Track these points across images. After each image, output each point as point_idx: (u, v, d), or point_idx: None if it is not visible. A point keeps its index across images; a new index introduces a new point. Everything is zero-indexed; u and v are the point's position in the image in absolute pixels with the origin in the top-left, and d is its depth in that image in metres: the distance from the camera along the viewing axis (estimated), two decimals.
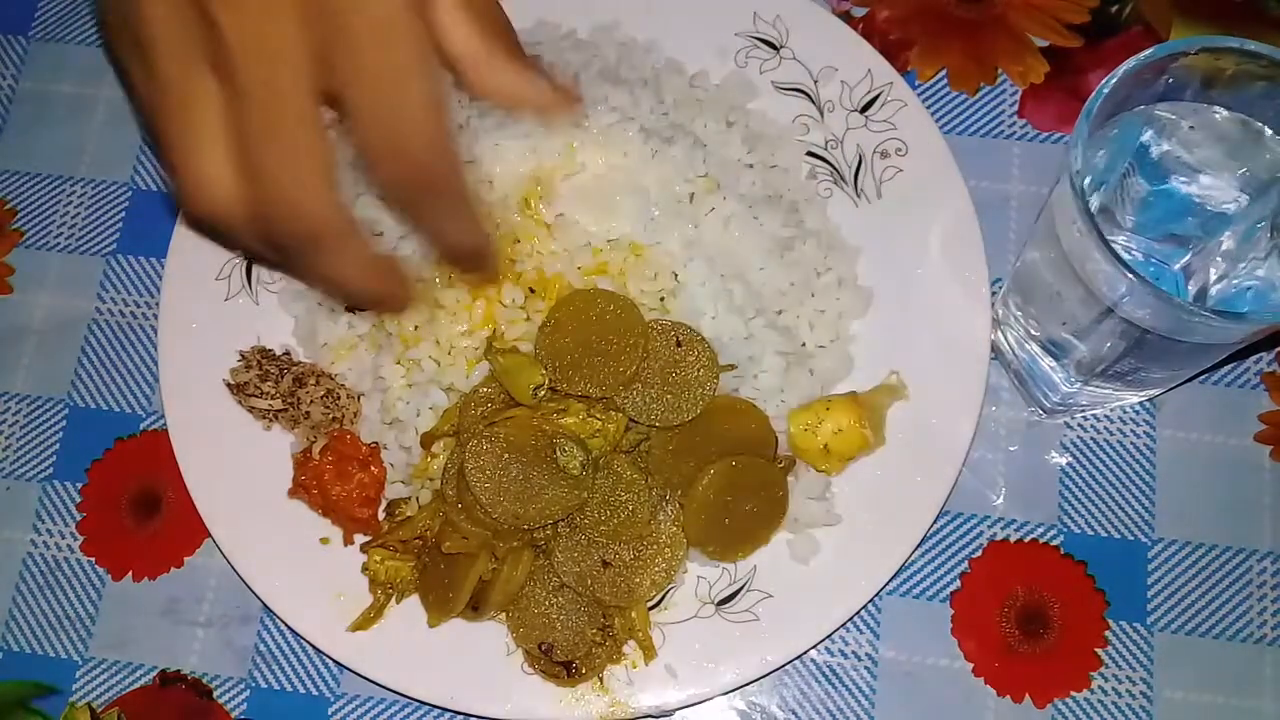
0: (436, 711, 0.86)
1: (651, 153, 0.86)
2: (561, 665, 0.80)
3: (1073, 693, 0.85)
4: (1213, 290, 0.71)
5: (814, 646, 0.84)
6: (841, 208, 0.93)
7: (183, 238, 0.93)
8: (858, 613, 0.86)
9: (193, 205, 0.62)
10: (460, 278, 0.82)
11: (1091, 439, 0.90)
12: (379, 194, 0.65)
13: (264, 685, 0.88)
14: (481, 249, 0.71)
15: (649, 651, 0.81)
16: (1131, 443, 0.90)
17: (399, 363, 0.85)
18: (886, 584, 0.83)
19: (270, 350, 0.90)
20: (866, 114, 0.94)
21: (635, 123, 0.87)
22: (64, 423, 0.95)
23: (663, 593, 0.83)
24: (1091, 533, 0.88)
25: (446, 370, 0.84)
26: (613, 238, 0.85)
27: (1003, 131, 0.99)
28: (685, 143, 0.87)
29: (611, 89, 0.90)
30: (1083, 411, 0.91)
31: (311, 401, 0.86)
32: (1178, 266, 0.71)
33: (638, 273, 0.84)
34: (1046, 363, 0.85)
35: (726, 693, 0.83)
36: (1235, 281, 0.70)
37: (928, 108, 0.94)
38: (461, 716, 0.85)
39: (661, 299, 0.85)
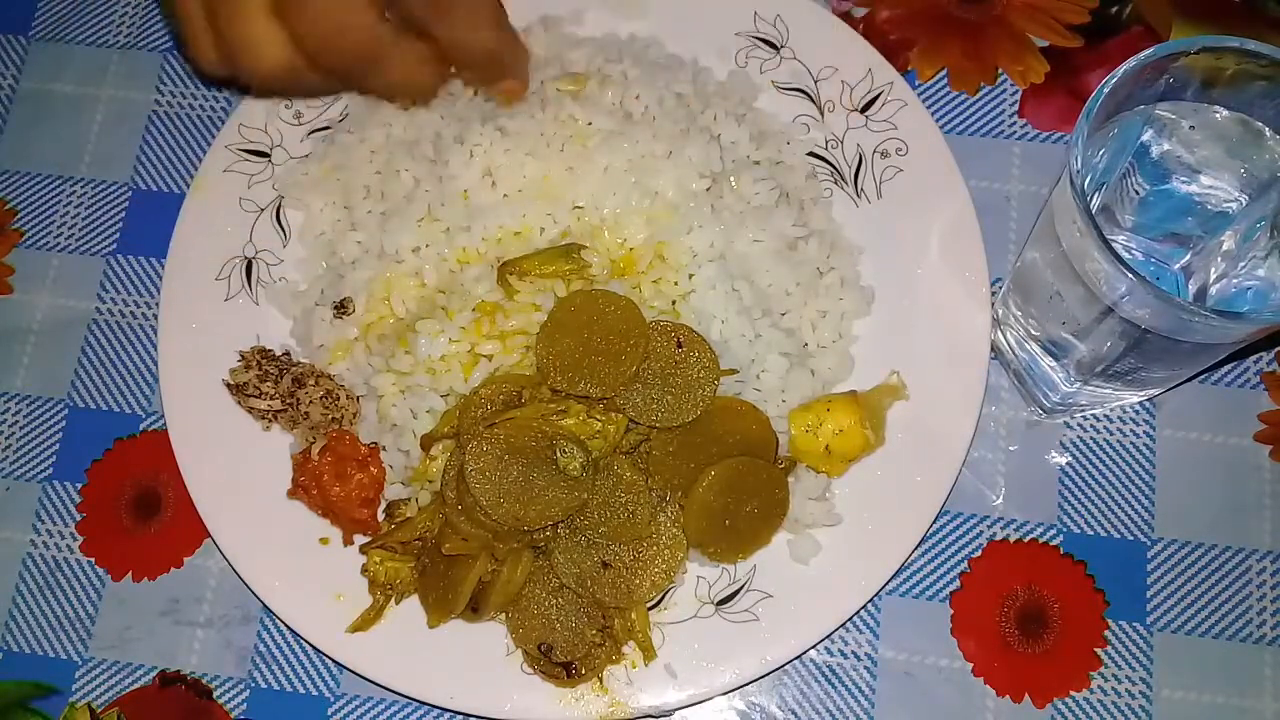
0: (436, 711, 0.86)
1: (667, 152, 0.87)
2: (561, 666, 0.80)
3: (1072, 692, 0.85)
4: (1213, 290, 0.71)
5: (814, 646, 0.84)
6: (842, 208, 0.93)
7: (183, 237, 0.93)
8: (858, 613, 0.86)
9: (251, 66, 0.69)
10: (487, 88, 0.84)
11: (1091, 439, 0.90)
12: (399, 7, 0.71)
13: (264, 685, 0.88)
14: (501, 54, 0.77)
15: (648, 652, 0.81)
16: (1131, 443, 0.90)
17: (389, 370, 0.85)
18: (886, 584, 0.83)
19: (270, 350, 0.90)
20: (867, 114, 0.94)
21: (649, 120, 0.88)
22: (64, 423, 0.95)
23: (662, 593, 0.83)
24: (1091, 532, 0.88)
25: (442, 377, 0.84)
26: (638, 238, 0.86)
27: (1003, 131, 0.99)
28: (700, 140, 0.88)
29: (619, 84, 0.91)
30: (1082, 411, 0.91)
31: (311, 402, 0.86)
32: (1178, 266, 0.71)
33: (657, 275, 0.85)
34: (1046, 363, 0.85)
35: (726, 693, 0.83)
36: (1235, 281, 0.70)
37: (928, 108, 0.94)
38: (461, 716, 0.85)
39: (674, 302, 0.85)
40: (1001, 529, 0.89)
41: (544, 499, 0.78)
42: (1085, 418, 0.91)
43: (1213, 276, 0.71)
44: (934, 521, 0.84)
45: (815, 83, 0.95)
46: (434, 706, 0.86)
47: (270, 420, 0.88)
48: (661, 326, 0.82)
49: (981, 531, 0.89)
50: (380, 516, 0.86)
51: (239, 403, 0.88)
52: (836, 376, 0.88)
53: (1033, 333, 0.84)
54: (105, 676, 0.89)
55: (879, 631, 0.87)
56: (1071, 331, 0.77)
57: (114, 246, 1.00)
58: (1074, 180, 0.66)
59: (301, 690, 0.88)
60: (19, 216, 1.02)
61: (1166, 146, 0.71)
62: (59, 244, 1.01)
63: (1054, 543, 0.88)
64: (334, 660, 0.85)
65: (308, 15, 0.68)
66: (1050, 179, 0.96)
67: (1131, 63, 0.67)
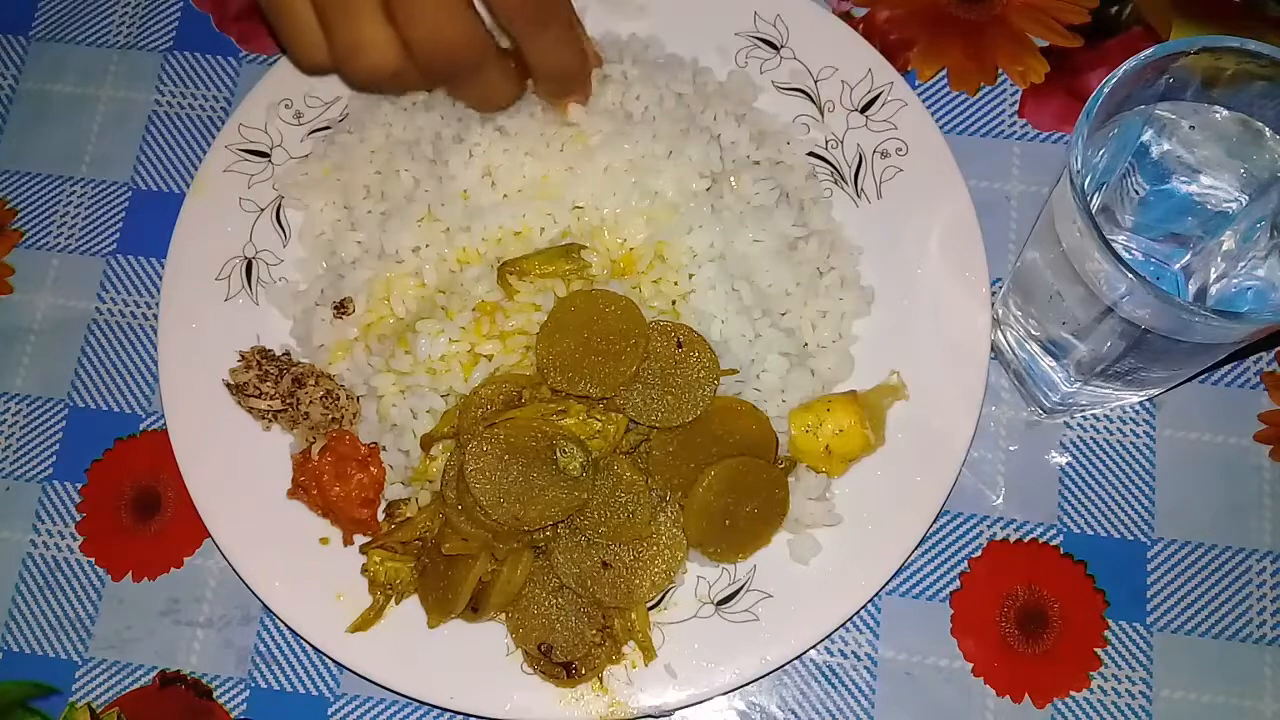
0: (436, 711, 0.86)
1: (667, 152, 0.87)
2: (561, 666, 0.80)
3: (1072, 693, 0.85)
4: (1213, 290, 0.71)
5: (814, 646, 0.84)
6: (842, 208, 0.93)
7: (183, 237, 0.93)
8: (858, 613, 0.86)
9: (360, 67, 0.74)
10: (555, 100, 0.88)
11: (1091, 439, 0.90)
12: (499, 20, 0.76)
13: (264, 685, 0.88)
14: (580, 71, 0.84)
15: (648, 652, 0.81)
16: (1131, 443, 0.90)
17: (389, 370, 0.85)
18: (886, 584, 0.83)
19: (270, 350, 0.90)
20: (867, 114, 0.94)
21: (649, 120, 0.88)
22: (64, 423, 0.95)
23: (663, 593, 0.83)
24: (1091, 533, 0.88)
25: (442, 377, 0.84)
26: (638, 238, 0.86)
27: (1003, 131, 0.99)
28: (700, 140, 0.88)
29: (619, 84, 0.91)
30: (1082, 411, 0.91)
31: (311, 402, 0.86)
32: (1178, 266, 0.71)
33: (657, 275, 0.85)
34: (1046, 363, 0.85)
35: (726, 693, 0.83)
36: (1235, 281, 0.70)
37: (928, 108, 0.94)
38: (461, 716, 0.86)
39: (674, 302, 0.85)
40: (1001, 529, 0.89)
41: (544, 499, 0.78)
42: (1085, 418, 0.91)
43: (1213, 276, 0.71)
44: (934, 521, 0.84)
45: (815, 83, 0.95)
46: (434, 706, 0.86)
47: (270, 420, 0.88)
48: (661, 326, 0.82)
49: (981, 531, 0.89)
50: (380, 516, 0.86)
51: (239, 403, 0.88)
52: (836, 376, 0.88)
53: (1033, 333, 0.84)
54: (105, 676, 0.89)
55: (879, 631, 0.87)
56: (1071, 331, 0.77)
57: (114, 246, 1.00)
58: (1074, 180, 0.66)
59: (301, 690, 0.88)
60: (19, 216, 1.02)
61: (1166, 146, 0.71)
62: (59, 244, 1.01)
63: (1054, 543, 0.88)
64: (334, 660, 0.85)
65: (422, 22, 0.71)
66: (1050, 179, 0.96)
67: (1131, 63, 0.67)
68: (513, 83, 0.84)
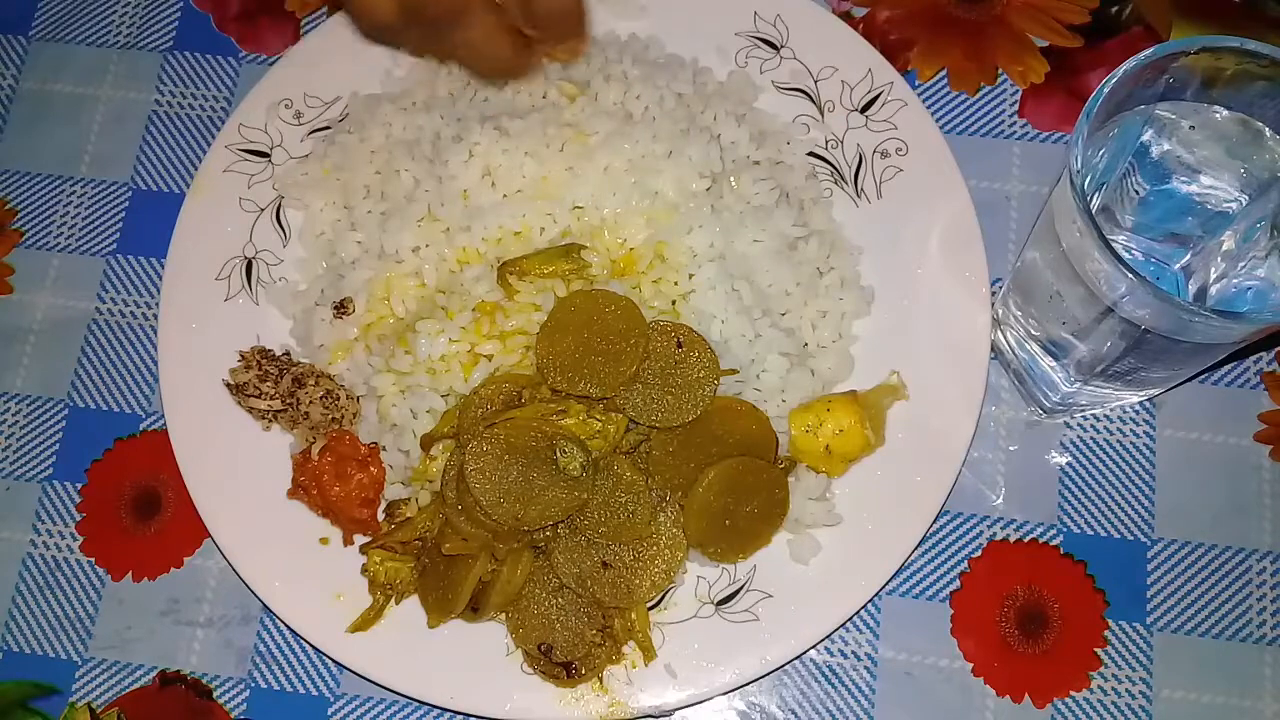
0: (436, 711, 0.86)
1: (667, 152, 0.87)
2: (561, 666, 0.80)
3: (1072, 693, 0.85)
4: (1213, 290, 0.71)
5: (814, 646, 0.84)
6: (842, 208, 0.93)
7: (183, 237, 0.93)
8: (858, 613, 0.86)
9: (363, 16, 0.78)
10: (551, 47, 0.89)
11: (1091, 439, 0.91)
12: None
13: (264, 685, 0.88)
14: (576, 12, 0.83)
15: (648, 652, 0.81)
16: (1131, 443, 0.90)
17: (389, 370, 0.85)
18: (886, 584, 0.83)
19: (270, 350, 0.90)
20: (867, 114, 0.94)
21: (649, 120, 0.88)
22: (64, 423, 0.95)
23: (663, 593, 0.83)
24: (1091, 532, 0.88)
25: (442, 377, 0.84)
26: (638, 238, 0.86)
27: (1003, 131, 0.99)
28: (700, 140, 0.88)
29: (620, 84, 0.91)
30: (1082, 411, 0.91)
31: (311, 402, 0.86)
32: (1178, 266, 0.71)
33: (657, 275, 0.85)
34: (1046, 363, 0.85)
35: (726, 693, 0.83)
36: (1235, 281, 0.70)
37: (928, 108, 0.94)
38: (461, 716, 0.86)
39: (674, 302, 0.85)
40: (1001, 529, 0.89)
41: (544, 499, 0.78)
42: (1085, 418, 0.91)
43: (1213, 276, 0.71)
44: (934, 521, 0.84)
45: (815, 83, 0.95)
46: (434, 706, 0.86)
47: (270, 420, 0.88)
48: (661, 326, 0.82)
49: (981, 531, 0.89)
50: (380, 516, 0.86)
51: (239, 403, 0.88)
52: (836, 376, 0.88)
53: (1033, 333, 0.84)
54: (105, 676, 0.89)
55: (879, 631, 0.87)
56: (1071, 331, 0.77)
57: (114, 246, 1.00)
58: (1074, 180, 0.66)
59: (301, 690, 0.88)
60: (19, 216, 1.02)
61: (1166, 146, 0.71)
62: (59, 244, 1.01)
63: (1054, 543, 0.88)
64: (334, 660, 0.85)
65: None
66: (1050, 179, 0.96)
67: (1131, 63, 0.67)
68: (506, 42, 0.82)
